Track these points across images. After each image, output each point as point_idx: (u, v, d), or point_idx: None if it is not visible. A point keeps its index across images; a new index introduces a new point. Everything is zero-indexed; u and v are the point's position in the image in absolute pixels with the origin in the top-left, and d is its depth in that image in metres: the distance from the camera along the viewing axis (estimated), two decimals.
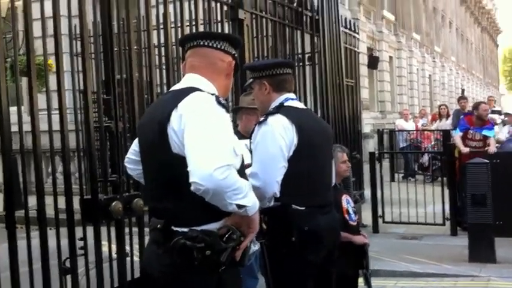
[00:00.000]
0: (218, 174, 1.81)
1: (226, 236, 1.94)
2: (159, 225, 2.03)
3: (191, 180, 1.84)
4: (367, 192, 7.19)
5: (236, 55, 2.23)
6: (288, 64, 2.90)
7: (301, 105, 2.87)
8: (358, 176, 7.87)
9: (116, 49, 3.73)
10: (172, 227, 1.98)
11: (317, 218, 2.66)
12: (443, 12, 34.41)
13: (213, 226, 1.95)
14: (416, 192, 6.99)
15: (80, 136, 3.68)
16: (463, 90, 35.28)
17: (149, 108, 2.47)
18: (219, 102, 1.98)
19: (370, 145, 14.47)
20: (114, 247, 3.46)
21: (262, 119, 2.68)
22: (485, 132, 7.19)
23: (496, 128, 8.51)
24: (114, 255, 3.45)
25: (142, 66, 4.00)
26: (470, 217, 5.60)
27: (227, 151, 1.90)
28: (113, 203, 3.25)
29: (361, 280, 3.62)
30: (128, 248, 3.52)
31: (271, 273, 2.71)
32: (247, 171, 2.65)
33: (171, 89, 2.25)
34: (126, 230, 3.54)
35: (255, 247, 2.91)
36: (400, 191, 7.02)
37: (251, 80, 2.86)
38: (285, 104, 2.74)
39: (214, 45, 2.15)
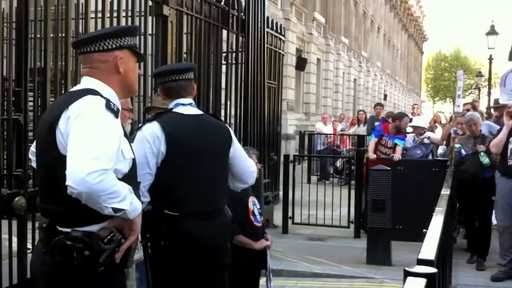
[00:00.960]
0: (91, 179, 1.86)
1: (108, 237, 2.00)
2: (44, 224, 2.07)
3: (66, 183, 1.89)
4: (282, 194, 7.40)
5: (126, 43, 2.19)
6: (178, 70, 2.89)
7: (191, 110, 2.87)
8: (274, 177, 8.10)
9: (31, 37, 3.67)
10: (57, 227, 2.02)
11: (191, 224, 2.68)
12: (372, 17, 35.51)
13: (95, 227, 2.01)
14: (325, 194, 7.25)
15: None
16: (385, 96, 36.78)
17: (49, 106, 2.50)
18: (108, 107, 2.03)
19: (292, 146, 14.83)
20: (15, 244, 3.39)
21: (140, 125, 2.81)
22: (396, 141, 7.52)
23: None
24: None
25: (58, 56, 3.96)
26: (370, 221, 5.91)
27: (106, 155, 1.93)
28: (16, 198, 3.21)
29: (264, 280, 3.75)
30: (29, 245, 3.43)
31: (153, 280, 2.77)
32: None
33: (69, 90, 2.29)
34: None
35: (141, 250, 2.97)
36: (313, 193, 7.27)
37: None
38: (174, 109, 2.82)
39: (93, 49, 2.15)
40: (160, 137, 2.68)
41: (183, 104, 2.84)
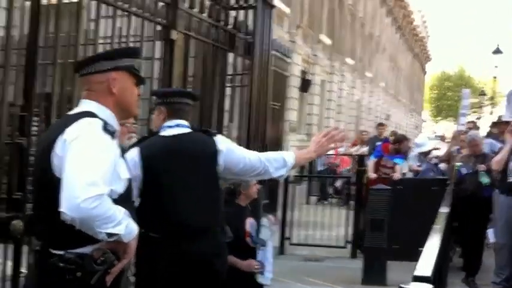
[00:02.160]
0: (86, 205, 1.87)
1: (101, 259, 1.99)
2: (37, 247, 2.10)
3: (60, 209, 1.89)
4: (280, 214, 7.48)
5: (123, 64, 2.22)
6: (188, 94, 3.11)
7: (176, 131, 2.92)
8: (272, 198, 8.19)
9: (40, 63, 3.78)
10: (50, 249, 2.03)
11: (173, 246, 2.73)
12: (378, 38, 35.57)
13: (88, 249, 2.00)
14: (323, 215, 7.41)
15: None
16: (388, 116, 36.76)
17: (47, 129, 2.56)
18: (104, 129, 2.06)
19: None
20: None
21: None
22: (396, 160, 7.54)
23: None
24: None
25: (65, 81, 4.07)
26: (366, 241, 5.95)
27: (102, 180, 1.93)
28: (14, 222, 3.13)
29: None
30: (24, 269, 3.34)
31: None
32: None
33: (66, 113, 2.32)
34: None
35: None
36: (311, 214, 7.35)
37: (154, 106, 3.10)
38: (161, 132, 2.95)
39: (90, 71, 2.20)
40: (137, 161, 2.78)
41: (170, 126, 2.95)
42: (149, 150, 2.84)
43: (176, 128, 2.94)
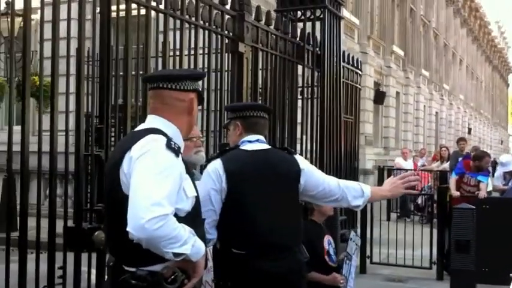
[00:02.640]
0: (151, 225, 1.86)
1: (171, 277, 1.99)
2: (111, 263, 2.12)
3: (127, 228, 1.91)
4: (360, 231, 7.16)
5: (198, 87, 2.29)
6: (263, 108, 3.01)
7: (257, 146, 2.86)
8: (351, 213, 7.87)
9: (113, 74, 3.82)
10: (123, 266, 2.05)
11: (257, 264, 2.65)
12: (454, 49, 34.60)
13: (159, 267, 2.00)
14: (405, 233, 7.01)
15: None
16: (469, 130, 35.31)
17: (116, 145, 2.57)
18: (168, 146, 2.04)
19: (371, 181, 14.45)
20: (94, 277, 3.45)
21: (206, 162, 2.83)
22: (479, 178, 7.25)
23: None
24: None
25: (138, 93, 4.10)
26: (453, 263, 5.66)
27: (167, 199, 1.93)
28: (96, 233, 3.25)
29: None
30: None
31: None
32: None
33: (133, 130, 2.33)
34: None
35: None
36: (392, 232, 7.00)
37: (229, 120, 2.99)
38: (240, 146, 2.84)
39: (173, 87, 2.19)
40: (222, 174, 2.71)
41: (250, 141, 2.86)
42: (233, 164, 2.77)
43: (257, 143, 2.87)
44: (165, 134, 2.10)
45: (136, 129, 2.29)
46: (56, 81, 3.29)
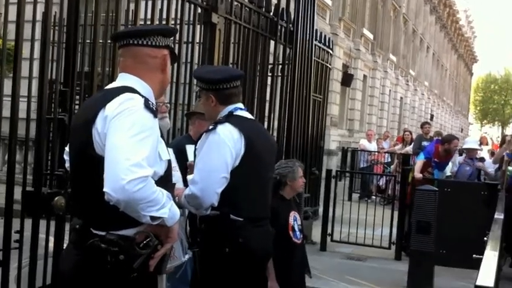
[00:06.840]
0: (131, 187, 1.79)
1: (144, 242, 1.92)
2: (77, 226, 2.01)
3: (104, 189, 1.82)
4: (322, 210, 7.25)
5: (171, 44, 2.20)
6: (235, 77, 2.83)
7: (249, 115, 2.86)
8: (314, 192, 7.95)
9: (80, 41, 3.71)
10: (91, 229, 1.96)
11: (252, 231, 2.67)
12: (422, 36, 35.00)
13: (131, 231, 1.93)
14: (367, 213, 7.09)
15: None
16: (432, 116, 36.02)
17: (83, 104, 2.45)
18: (147, 106, 1.95)
19: (334, 162, 14.62)
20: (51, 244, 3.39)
21: (211, 127, 2.67)
22: (417, 158, 7.44)
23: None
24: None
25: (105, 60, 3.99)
26: (413, 243, 5.67)
27: (147, 161, 1.86)
28: (56, 198, 3.19)
29: None
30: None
31: (202, 284, 2.73)
32: (189, 176, 2.67)
33: (105, 87, 2.19)
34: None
35: (186, 256, 2.93)
36: (353, 211, 7.10)
37: (199, 90, 2.93)
38: (234, 113, 2.75)
39: (145, 43, 2.08)
40: (239, 139, 2.63)
41: (241, 109, 2.80)
42: (247, 130, 2.69)
43: (245, 111, 2.84)
44: (139, 94, 2.00)
45: (108, 87, 2.14)
46: (20, 46, 3.18)
